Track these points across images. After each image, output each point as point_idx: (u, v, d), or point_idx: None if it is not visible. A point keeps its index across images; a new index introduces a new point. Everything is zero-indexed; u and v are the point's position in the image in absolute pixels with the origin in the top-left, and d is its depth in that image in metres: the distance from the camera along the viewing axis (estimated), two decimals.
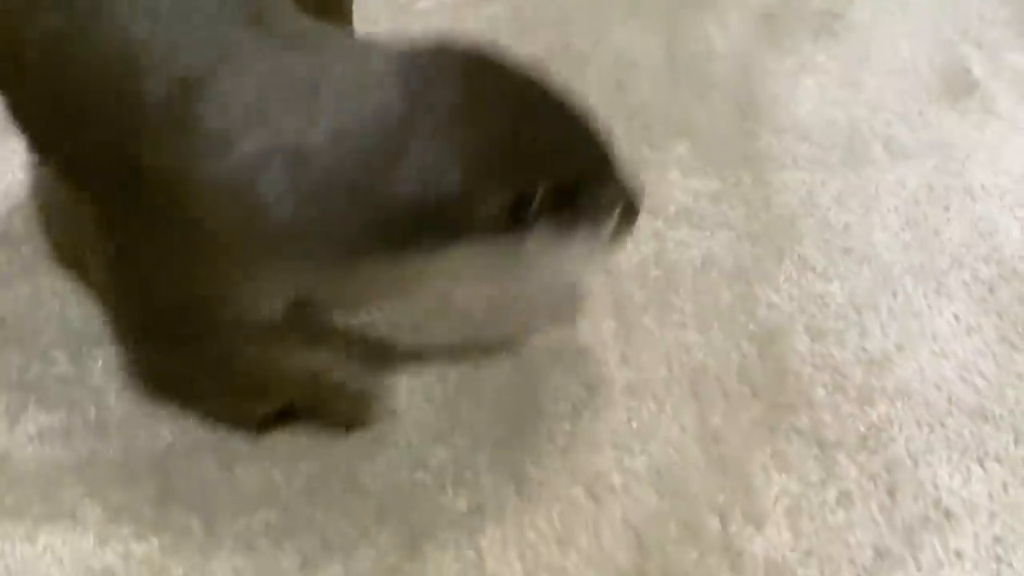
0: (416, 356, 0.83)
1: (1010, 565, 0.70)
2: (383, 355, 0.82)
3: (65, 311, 0.84)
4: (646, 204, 0.96)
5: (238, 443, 0.76)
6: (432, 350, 0.83)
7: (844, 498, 0.73)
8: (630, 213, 0.64)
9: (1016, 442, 0.77)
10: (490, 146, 0.56)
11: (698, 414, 0.79)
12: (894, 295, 0.88)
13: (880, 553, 0.70)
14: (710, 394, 0.80)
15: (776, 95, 1.10)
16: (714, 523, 0.72)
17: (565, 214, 0.59)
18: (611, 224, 0.63)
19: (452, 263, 0.60)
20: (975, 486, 0.74)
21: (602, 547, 0.71)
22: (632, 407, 0.79)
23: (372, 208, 0.57)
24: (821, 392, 0.81)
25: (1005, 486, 0.74)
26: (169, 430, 0.76)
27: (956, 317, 0.87)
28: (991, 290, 0.89)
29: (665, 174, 1.00)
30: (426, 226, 0.57)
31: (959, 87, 1.13)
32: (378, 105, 0.56)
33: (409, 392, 0.80)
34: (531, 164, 0.58)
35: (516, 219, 0.57)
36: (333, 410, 0.75)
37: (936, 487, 0.74)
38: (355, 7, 0.94)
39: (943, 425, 0.78)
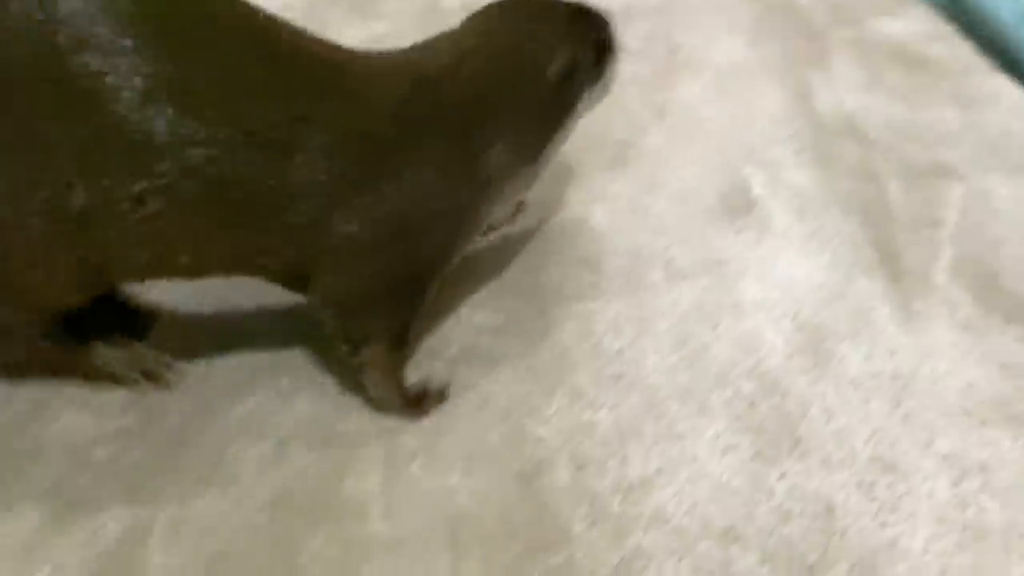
0: (173, 531, 0.81)
1: None
2: (140, 533, 0.80)
3: None
4: (429, 345, 1.01)
5: None
6: (188, 522, 0.81)
7: None
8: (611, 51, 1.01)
9: (762, 561, 0.78)
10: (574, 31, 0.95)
11: (452, 565, 0.78)
12: (658, 419, 0.90)
13: None
14: (468, 541, 0.80)
15: (566, 227, 1.15)
16: None
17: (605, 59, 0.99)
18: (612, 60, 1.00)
19: (583, 106, 0.98)
20: None
21: None
22: (388, 563, 0.78)
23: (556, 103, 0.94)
24: (579, 526, 0.81)
25: None
26: None
27: (716, 436, 0.89)
28: (751, 405, 0.92)
29: (455, 311, 1.03)
30: (576, 88, 0.95)
31: (738, 207, 1.19)
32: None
33: (155, 571, 0.78)
34: (586, 36, 0.96)
35: (599, 64, 0.97)
36: None
37: None
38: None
39: (693, 551, 0.79)
